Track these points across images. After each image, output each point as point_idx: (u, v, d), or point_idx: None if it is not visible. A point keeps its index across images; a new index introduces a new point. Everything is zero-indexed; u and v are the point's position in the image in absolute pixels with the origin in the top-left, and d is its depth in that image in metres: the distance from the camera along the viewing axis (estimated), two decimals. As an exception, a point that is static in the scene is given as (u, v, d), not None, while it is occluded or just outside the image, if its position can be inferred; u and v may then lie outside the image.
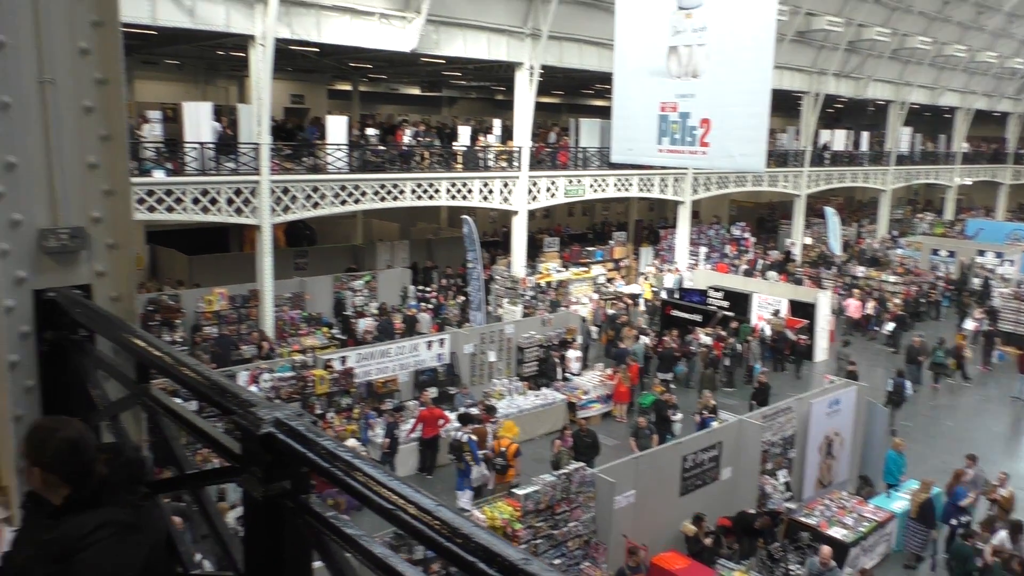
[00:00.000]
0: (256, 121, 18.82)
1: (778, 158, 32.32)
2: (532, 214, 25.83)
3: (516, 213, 24.78)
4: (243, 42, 18.90)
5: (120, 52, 2.99)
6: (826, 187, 35.82)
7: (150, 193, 17.24)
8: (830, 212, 33.58)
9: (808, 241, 35.38)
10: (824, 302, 23.65)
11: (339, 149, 21.07)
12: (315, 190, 20.20)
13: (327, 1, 19.08)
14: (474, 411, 14.98)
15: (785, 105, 34.59)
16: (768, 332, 22.50)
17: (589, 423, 15.90)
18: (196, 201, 18.11)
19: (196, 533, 8.57)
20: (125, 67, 3.07)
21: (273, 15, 17.85)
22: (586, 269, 28.21)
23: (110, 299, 3.11)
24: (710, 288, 24.77)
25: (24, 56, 2.80)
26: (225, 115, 20.73)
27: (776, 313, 23.41)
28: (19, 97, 2.80)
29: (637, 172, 27.06)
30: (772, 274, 30.21)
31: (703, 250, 31.74)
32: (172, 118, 19.91)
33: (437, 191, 22.67)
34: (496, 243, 30.74)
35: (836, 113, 44.83)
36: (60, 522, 2.17)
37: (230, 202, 18.65)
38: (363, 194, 21.15)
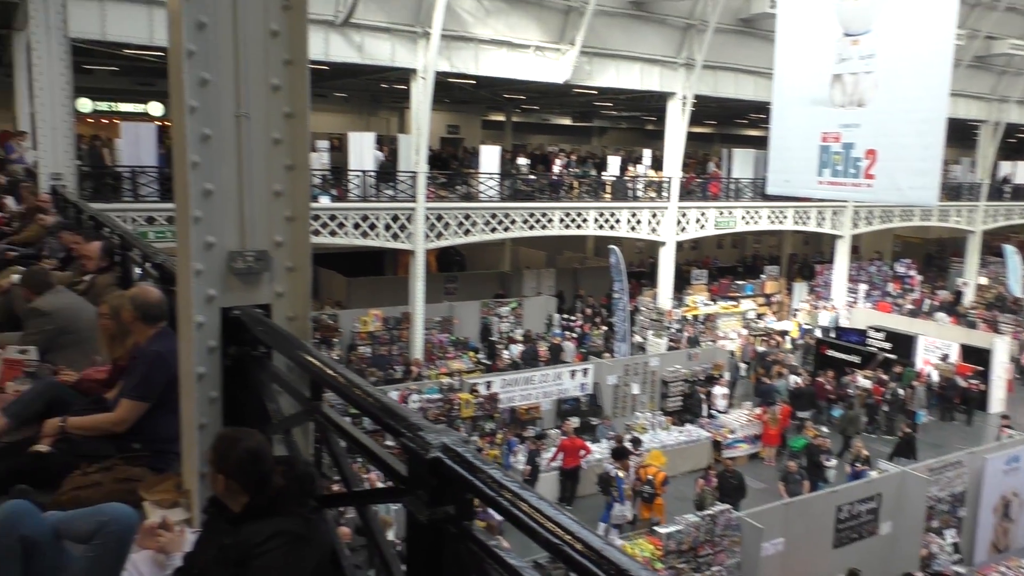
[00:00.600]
0: (414, 150, 19.62)
1: (950, 191, 30.14)
2: (680, 245, 25.35)
3: (664, 244, 24.42)
4: (405, 75, 19.83)
5: (307, 88, 3.20)
6: (1005, 223, 33.06)
7: (315, 217, 18.31)
8: (1010, 250, 30.92)
9: (983, 281, 32.70)
10: (1002, 348, 21.73)
11: (491, 178, 21.59)
12: (467, 217, 20.77)
13: (485, 35, 19.70)
14: (627, 446, 14.76)
15: (959, 135, 32.25)
16: (936, 378, 20.92)
17: (735, 463, 15.31)
18: (357, 226, 19.06)
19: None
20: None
21: (435, 49, 18.62)
22: (735, 303, 27.35)
23: (287, 319, 3.30)
24: (870, 328, 23.35)
25: (224, 93, 3.04)
26: (386, 145, 21.78)
27: (945, 358, 21.74)
28: (218, 130, 3.04)
29: (793, 204, 26.02)
30: (941, 316, 28.11)
31: (863, 288, 30.00)
32: (338, 147, 21.13)
33: (585, 220, 22.73)
34: (642, 274, 30.38)
35: (1018, 143, 41.40)
36: (239, 528, 2.31)
37: (387, 227, 19.50)
38: (512, 222, 21.53)
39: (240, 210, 3.14)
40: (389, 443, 6.84)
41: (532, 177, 23.18)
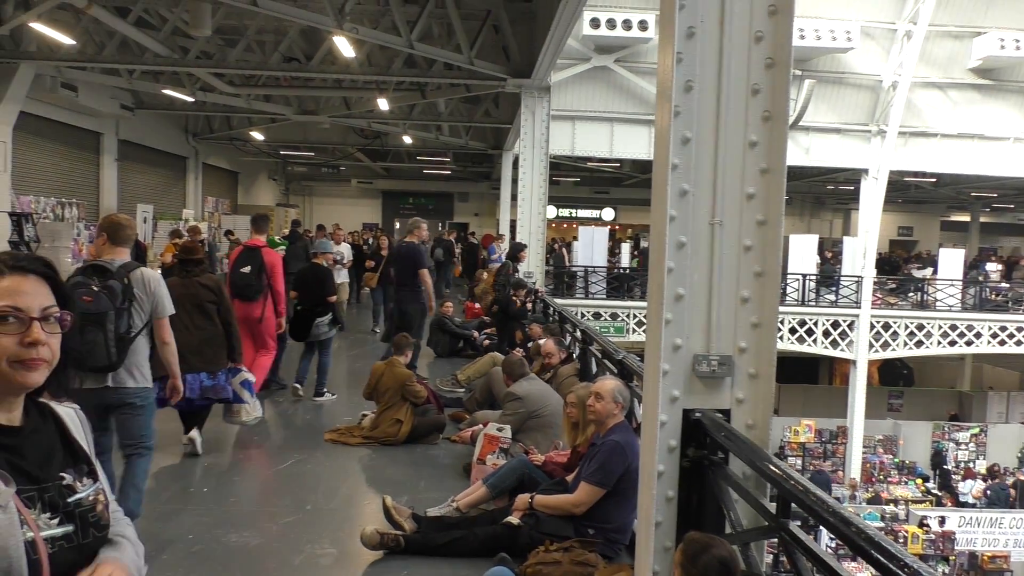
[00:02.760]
0: (861, 254, 18.48)
1: None
2: None
3: None
4: (855, 176, 18.98)
5: (781, 196, 3.19)
6: None
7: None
8: None
9: None
10: None
11: (951, 284, 19.31)
12: (920, 328, 18.77)
13: (951, 129, 18.02)
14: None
15: None
16: None
17: None
18: (793, 331, 18.42)
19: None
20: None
21: (890, 147, 17.54)
22: None
23: (746, 426, 3.23)
24: None
25: (701, 202, 3.17)
26: (827, 248, 20.90)
27: None
28: (693, 237, 3.17)
29: None
30: None
31: None
32: (778, 250, 20.84)
33: (1078, 338, 18.98)
34: None
35: None
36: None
37: (826, 334, 18.51)
38: (977, 335, 18.88)
39: (708, 314, 3.20)
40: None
41: (1005, 285, 20.16)
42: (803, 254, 19.07)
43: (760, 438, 3.22)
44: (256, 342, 6.98)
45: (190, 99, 16.37)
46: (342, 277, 13.03)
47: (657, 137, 3.28)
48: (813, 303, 18.86)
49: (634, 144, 18.29)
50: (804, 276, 18.79)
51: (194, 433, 5.90)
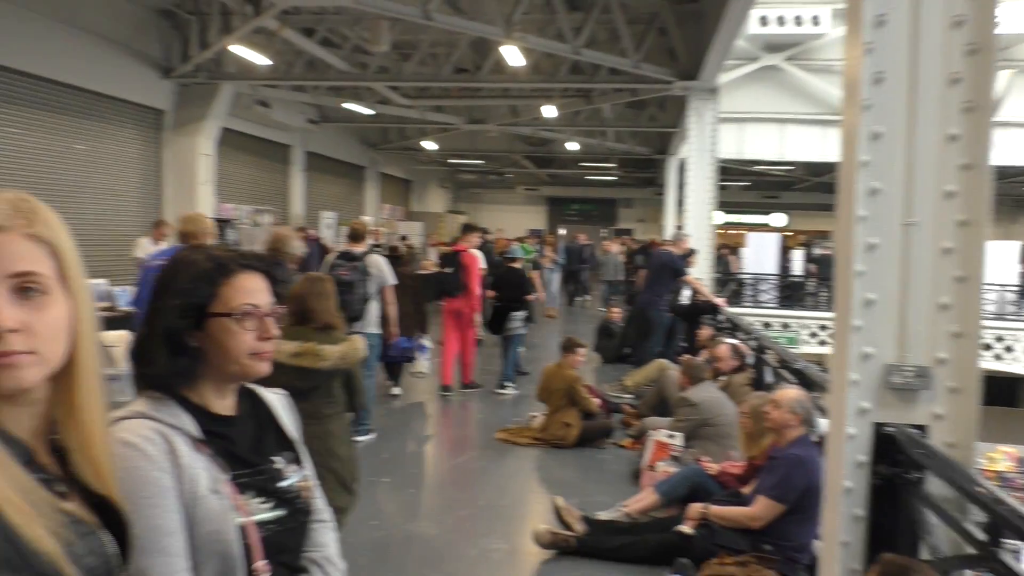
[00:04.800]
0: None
1: None
2: None
3: None
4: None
5: (986, 194, 2.94)
6: None
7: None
8: None
9: None
10: None
11: None
12: None
13: None
14: None
15: None
16: None
17: None
18: (988, 347, 16.88)
19: None
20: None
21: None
22: None
23: (945, 444, 2.99)
24: None
25: (894, 201, 2.97)
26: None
27: None
28: (885, 239, 2.97)
29: None
30: None
31: None
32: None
33: None
34: None
35: None
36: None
37: (1030, 350, 16.82)
38: None
39: (901, 322, 2.99)
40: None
41: None
42: (1001, 263, 17.44)
43: (964, 458, 2.97)
44: (461, 333, 8.16)
45: (369, 112, 17.30)
46: None
47: (844, 133, 3.10)
48: (1013, 317, 17.20)
49: (806, 146, 17.43)
50: (1002, 287, 17.18)
51: (396, 390, 7.95)
